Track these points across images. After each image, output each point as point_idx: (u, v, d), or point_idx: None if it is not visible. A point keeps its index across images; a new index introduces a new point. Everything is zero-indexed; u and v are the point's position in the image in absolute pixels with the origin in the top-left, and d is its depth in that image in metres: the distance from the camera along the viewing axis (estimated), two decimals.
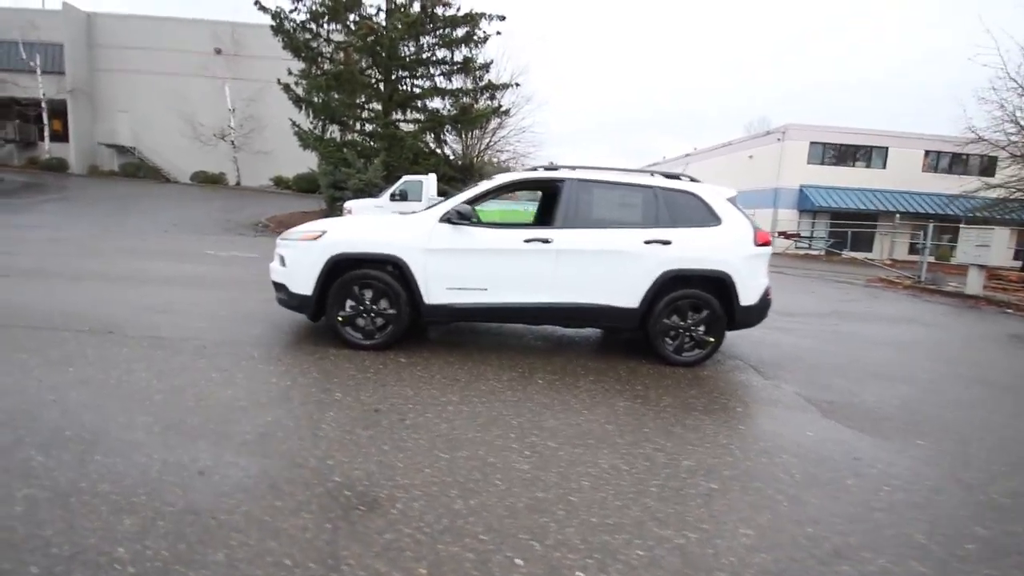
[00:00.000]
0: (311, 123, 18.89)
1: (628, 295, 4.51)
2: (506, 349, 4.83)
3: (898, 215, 22.66)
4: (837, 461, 3.03)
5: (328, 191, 18.00)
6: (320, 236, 4.35)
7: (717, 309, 4.57)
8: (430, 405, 3.39)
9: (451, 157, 21.58)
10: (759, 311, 4.70)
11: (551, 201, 4.70)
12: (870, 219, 26.19)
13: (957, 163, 26.69)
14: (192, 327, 4.74)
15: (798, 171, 26.27)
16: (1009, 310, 10.79)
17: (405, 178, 13.90)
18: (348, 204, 13.72)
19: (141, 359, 3.83)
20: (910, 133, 26.19)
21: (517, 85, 20.35)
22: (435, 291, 4.37)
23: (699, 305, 4.57)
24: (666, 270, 4.48)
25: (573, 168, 4.69)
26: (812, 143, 26.25)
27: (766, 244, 4.70)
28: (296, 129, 18.69)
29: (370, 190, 16.47)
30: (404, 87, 19.74)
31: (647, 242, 4.50)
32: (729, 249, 4.58)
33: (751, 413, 3.70)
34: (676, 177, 4.85)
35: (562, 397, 3.72)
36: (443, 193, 15.20)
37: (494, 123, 22.45)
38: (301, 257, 4.39)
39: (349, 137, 19.59)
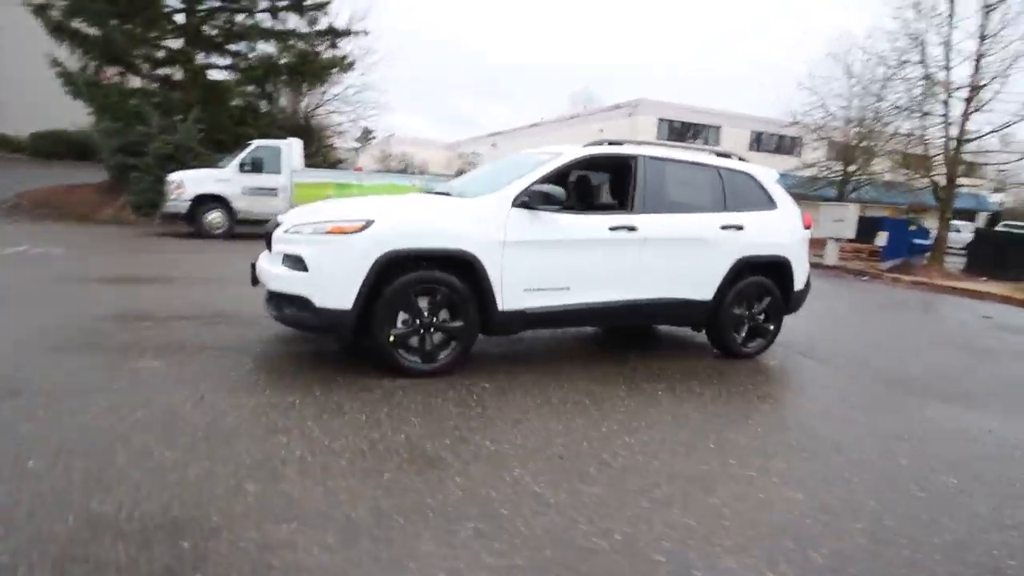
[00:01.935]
0: (79, 62, 15.18)
1: (705, 286, 4.64)
2: (544, 356, 4.61)
3: None
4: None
5: (115, 158, 14.75)
6: (365, 226, 3.58)
7: (777, 296, 4.97)
8: (598, 439, 3.09)
9: (280, 117, 19.33)
10: (805, 296, 5.23)
11: (620, 182, 4.55)
12: None
13: (776, 143, 32.66)
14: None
15: None
16: (865, 277, 13.72)
17: (257, 143, 12.04)
18: (177, 176, 11.44)
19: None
20: (741, 114, 31.17)
21: (366, 33, 18.99)
22: (511, 294, 3.94)
23: (762, 293, 4.91)
24: (740, 257, 4.71)
25: (639, 144, 4.62)
26: (660, 119, 29.63)
27: (809, 227, 5.22)
28: (60, 69, 14.83)
29: (184, 156, 13.92)
30: (216, 21, 16.99)
31: (723, 227, 4.66)
32: (787, 233, 4.99)
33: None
34: (727, 156, 5.08)
35: (699, 404, 3.70)
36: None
37: (333, 78, 20.59)
38: (336, 257, 3.57)
39: (140, 85, 16.25)
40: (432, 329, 3.80)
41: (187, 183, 11.30)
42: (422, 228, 3.74)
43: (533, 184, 4.01)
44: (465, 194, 4.32)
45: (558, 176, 4.18)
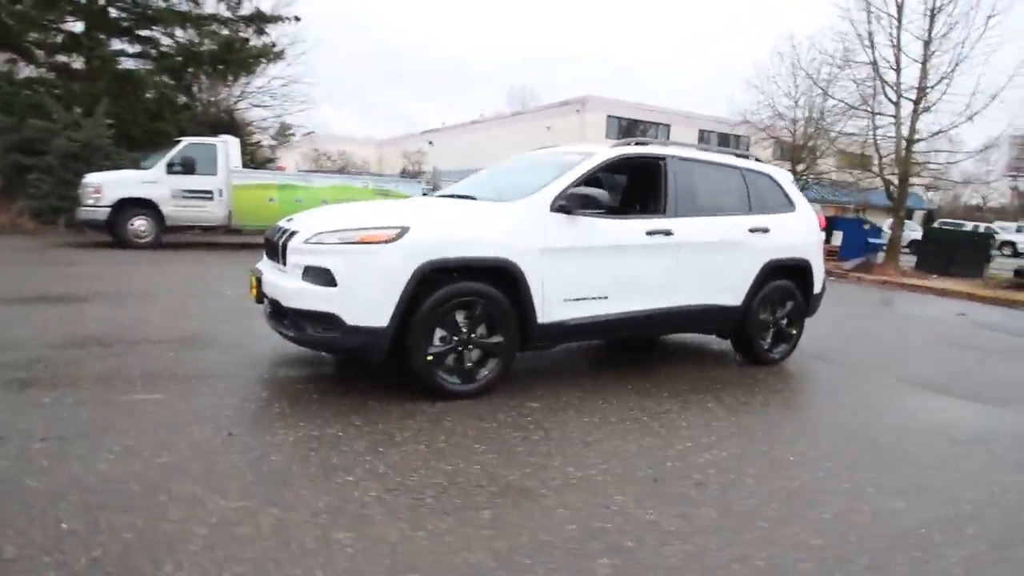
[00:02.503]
0: None
1: (736, 291, 4.75)
2: (569, 369, 4.60)
3: None
4: None
5: (8, 157, 13.54)
6: (400, 235, 3.42)
7: (800, 299, 5.16)
8: (678, 458, 3.08)
9: (199, 111, 18.36)
10: (821, 299, 5.46)
11: (649, 184, 4.58)
12: None
13: (723, 143, 34.18)
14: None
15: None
16: (831, 277, 14.53)
17: (188, 141, 11.33)
18: (95, 179, 10.60)
19: None
20: (690, 112, 32.45)
21: (296, 19, 18.39)
22: (550, 305, 3.88)
23: (785, 297, 5.08)
24: (767, 261, 4.86)
25: (664, 144, 4.68)
26: (609, 116, 30.37)
27: (824, 228, 5.46)
28: None
29: (92, 156, 12.95)
30: (124, 3, 15.97)
31: (752, 231, 4.79)
32: (806, 235, 5.20)
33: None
34: (747, 157, 5.24)
35: (755, 415, 3.77)
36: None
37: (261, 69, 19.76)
38: (369, 269, 3.39)
39: (36, 74, 15.03)
40: (470, 346, 3.69)
41: (107, 186, 10.49)
42: (461, 236, 3.62)
43: (570, 187, 3.97)
44: (485, 197, 4.22)
45: (591, 178, 4.16)
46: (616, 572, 2.07)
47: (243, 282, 4.38)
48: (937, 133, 16.80)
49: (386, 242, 3.41)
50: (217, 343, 4.64)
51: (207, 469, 2.59)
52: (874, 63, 16.51)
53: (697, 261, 4.50)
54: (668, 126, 32.21)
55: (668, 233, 4.33)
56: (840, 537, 2.41)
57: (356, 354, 3.67)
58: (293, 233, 3.61)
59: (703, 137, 33.49)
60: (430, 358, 3.55)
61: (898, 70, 16.23)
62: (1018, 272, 14.62)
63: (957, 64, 15.59)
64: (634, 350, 5.37)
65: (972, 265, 15.48)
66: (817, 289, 5.31)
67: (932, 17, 15.69)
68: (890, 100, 16.52)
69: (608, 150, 4.37)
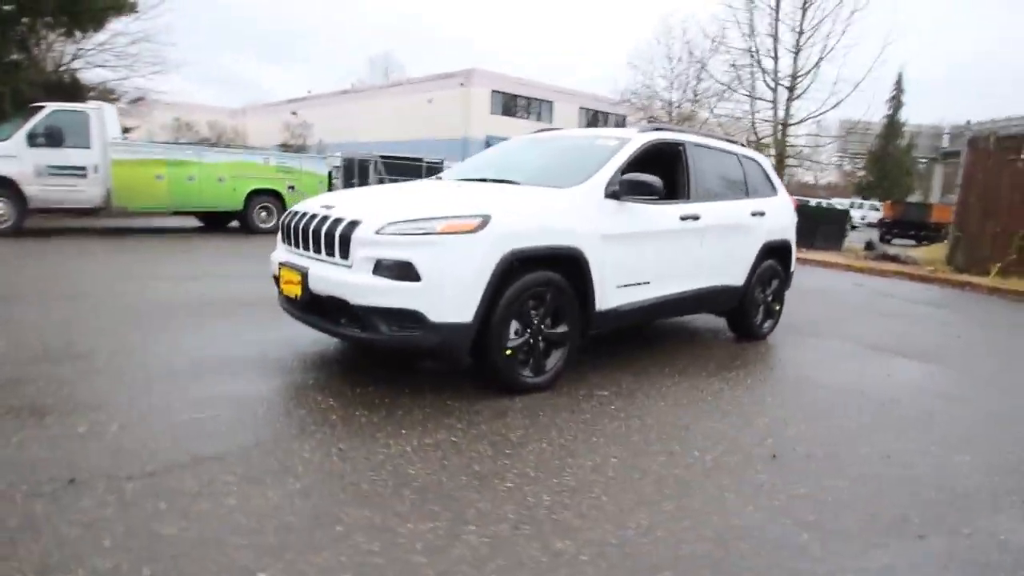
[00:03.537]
0: None
1: (741, 272, 5.14)
2: (595, 354, 4.76)
3: None
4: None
5: None
6: (483, 223, 3.31)
7: (783, 277, 5.69)
8: (771, 434, 3.34)
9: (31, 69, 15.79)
10: (792, 276, 6.05)
11: (674, 169, 4.76)
12: None
13: (603, 120, 35.74)
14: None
15: (483, 121, 30.17)
16: None
17: (52, 108, 9.72)
18: None
19: None
20: (572, 90, 33.46)
21: None
22: (608, 292, 3.97)
23: (773, 276, 5.58)
24: (765, 242, 5.30)
25: (677, 130, 4.89)
26: (494, 91, 30.48)
27: (796, 210, 6.04)
28: None
29: None
30: None
31: (753, 214, 5.19)
32: (788, 217, 5.72)
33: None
34: (734, 142, 5.63)
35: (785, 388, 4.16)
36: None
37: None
38: (455, 260, 3.25)
39: None
40: (540, 337, 3.68)
41: None
42: (537, 223, 3.57)
43: (617, 173, 4.06)
44: (528, 182, 4.16)
45: (632, 163, 4.27)
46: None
47: (141, 280, 3.99)
48: (805, 119, 18.89)
49: (471, 232, 3.29)
50: (227, 367, 4.18)
51: (356, 492, 2.41)
52: (755, 51, 18.15)
53: (717, 244, 4.80)
54: (551, 103, 33.03)
55: (696, 218, 4.57)
56: (957, 481, 2.79)
57: (438, 354, 3.50)
58: (354, 223, 3.35)
59: (587, 115, 34.80)
60: (508, 352, 3.51)
61: (776, 59, 17.98)
62: (868, 245, 17.08)
63: (823, 57, 17.62)
64: (624, 335, 5.59)
65: (834, 239, 17.71)
66: (792, 268, 5.88)
67: (804, 10, 17.54)
68: (768, 87, 18.29)
69: (640, 135, 4.49)
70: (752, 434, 3.30)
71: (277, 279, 3.99)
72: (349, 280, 3.30)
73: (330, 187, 13.57)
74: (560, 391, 3.75)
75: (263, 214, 12.05)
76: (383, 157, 21.23)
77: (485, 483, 2.56)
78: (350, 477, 2.52)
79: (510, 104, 31.61)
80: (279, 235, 4.09)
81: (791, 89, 18.07)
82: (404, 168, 22.75)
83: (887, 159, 45.10)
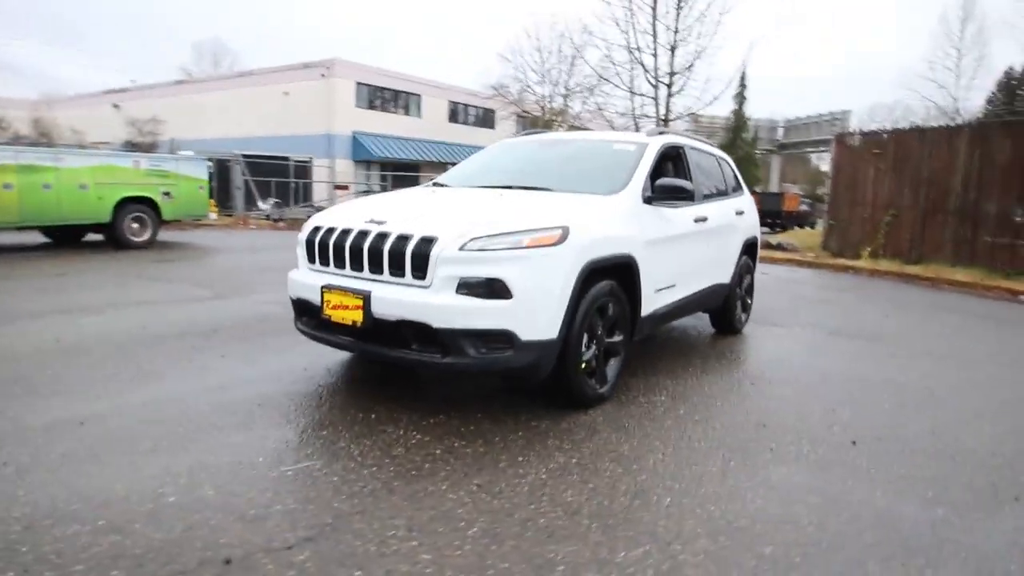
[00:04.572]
0: None
1: (729, 270, 5.58)
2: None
3: (450, 166, 29.00)
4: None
5: None
6: (564, 236, 3.35)
7: (752, 271, 6.25)
8: (831, 424, 3.73)
9: None
10: None
11: (678, 172, 5.01)
12: (413, 170, 32.23)
13: (472, 115, 36.05)
14: None
15: (349, 115, 29.21)
16: None
17: None
18: None
19: None
20: (441, 83, 33.35)
21: None
22: (649, 297, 4.17)
23: (747, 271, 6.11)
24: (745, 239, 5.79)
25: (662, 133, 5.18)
26: (359, 84, 29.61)
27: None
28: None
29: None
30: None
31: (737, 213, 5.65)
32: (755, 215, 6.29)
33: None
34: (706, 142, 6.07)
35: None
36: None
37: None
38: (543, 276, 3.27)
39: None
40: (603, 347, 3.79)
41: None
42: (603, 233, 3.66)
43: (647, 178, 4.26)
44: (561, 189, 4.20)
45: (655, 168, 4.49)
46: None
47: (47, 318, 3.50)
48: (683, 115, 20.51)
49: (555, 244, 3.32)
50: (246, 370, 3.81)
51: (537, 527, 2.38)
52: (636, 48, 19.38)
53: (717, 244, 5.19)
54: (420, 96, 32.75)
55: (705, 219, 4.91)
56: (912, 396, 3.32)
57: (523, 374, 3.45)
58: (428, 240, 3.24)
59: (455, 110, 34.91)
60: (583, 365, 3.58)
61: (656, 56, 19.34)
62: None
63: (698, 56, 19.26)
64: None
65: None
66: (757, 262, 6.48)
67: (679, 9, 19.03)
68: (650, 83, 19.62)
69: (655, 139, 4.72)
70: (820, 427, 3.65)
71: (304, 304, 3.74)
72: (430, 302, 3.19)
73: (210, 193, 12.52)
74: (617, 401, 3.88)
75: (135, 226, 10.84)
76: (246, 157, 19.89)
77: (644, 499, 2.64)
78: (518, 513, 2.48)
79: (376, 97, 30.89)
80: (302, 254, 3.82)
81: (669, 86, 19.53)
82: (270, 169, 21.54)
83: (737, 151, 49.97)
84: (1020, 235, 11.45)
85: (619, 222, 3.88)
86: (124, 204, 10.59)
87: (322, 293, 3.49)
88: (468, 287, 3.19)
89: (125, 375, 3.93)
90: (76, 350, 4.44)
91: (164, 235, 11.83)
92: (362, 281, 3.41)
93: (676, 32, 19.10)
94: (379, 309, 3.28)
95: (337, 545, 2.19)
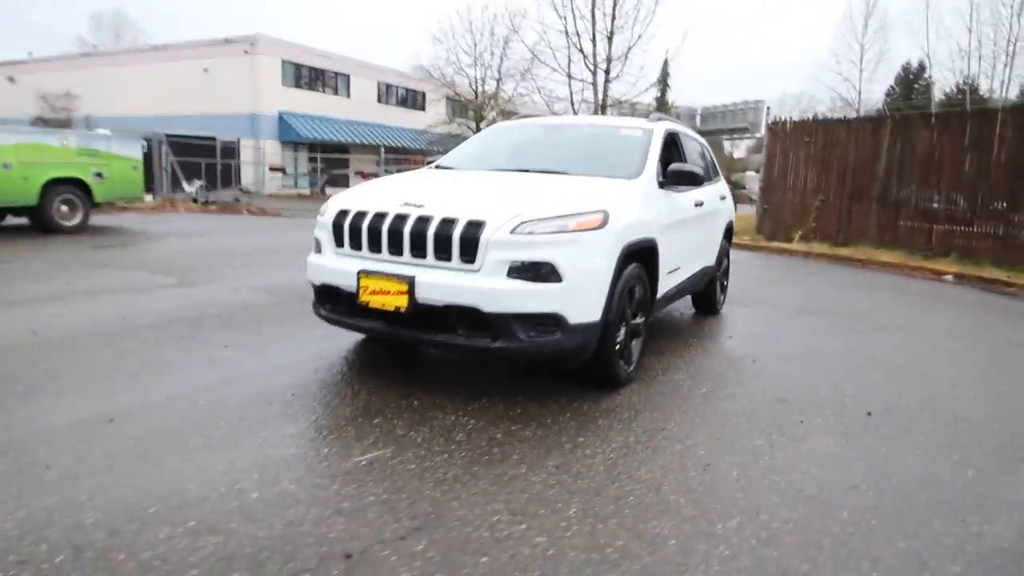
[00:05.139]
0: None
1: (714, 252, 5.78)
2: None
3: (383, 149, 28.39)
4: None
5: None
6: (606, 219, 3.38)
7: (728, 255, 6.50)
8: (844, 393, 3.97)
9: None
10: None
11: (670, 157, 5.12)
12: (343, 152, 31.31)
13: (402, 97, 35.31)
14: None
15: (275, 94, 27.96)
16: None
17: None
18: None
19: None
20: (370, 63, 32.40)
21: None
22: (663, 279, 4.28)
23: (724, 255, 6.34)
24: (727, 223, 6.02)
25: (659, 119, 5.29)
26: (285, 61, 28.34)
27: None
28: None
29: None
30: None
31: (721, 197, 5.85)
32: (731, 199, 6.52)
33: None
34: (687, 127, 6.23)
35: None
36: None
37: None
38: (589, 259, 3.31)
39: None
40: (630, 328, 3.86)
41: None
42: (635, 216, 3.72)
43: (658, 163, 4.35)
44: (576, 173, 4.20)
45: (662, 153, 4.58)
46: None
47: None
48: (621, 101, 20.90)
49: (598, 228, 3.35)
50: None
51: (635, 505, 2.43)
52: (576, 33, 19.54)
53: (708, 228, 5.38)
54: (348, 76, 31.75)
55: (701, 204, 5.06)
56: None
57: (571, 359, 3.46)
58: (476, 223, 3.19)
59: (386, 90, 34.09)
60: (617, 347, 3.64)
61: (594, 42, 19.56)
62: None
63: (632, 45, 19.64)
64: None
65: None
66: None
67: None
68: (589, 69, 19.85)
69: (658, 125, 4.81)
70: (817, 402, 3.87)
71: (330, 289, 3.61)
72: (481, 286, 3.15)
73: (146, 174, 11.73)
74: (640, 379, 3.98)
75: (65, 209, 10.02)
76: (170, 137, 18.74)
77: (713, 473, 2.74)
78: (605, 491, 2.52)
79: (304, 76, 29.67)
80: (326, 237, 3.66)
81: (607, 72, 19.83)
82: (195, 149, 20.39)
83: None
84: (936, 220, 12.41)
85: (643, 206, 3.95)
86: (52, 185, 9.76)
87: (358, 278, 3.38)
88: (518, 271, 3.17)
89: (129, 368, 3.68)
90: (61, 344, 4.09)
91: (94, 219, 10.99)
92: (403, 266, 3.33)
93: (614, 19, 19.41)
94: (424, 294, 3.22)
95: (449, 533, 2.16)
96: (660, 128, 4.75)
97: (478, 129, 31.18)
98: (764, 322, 6.10)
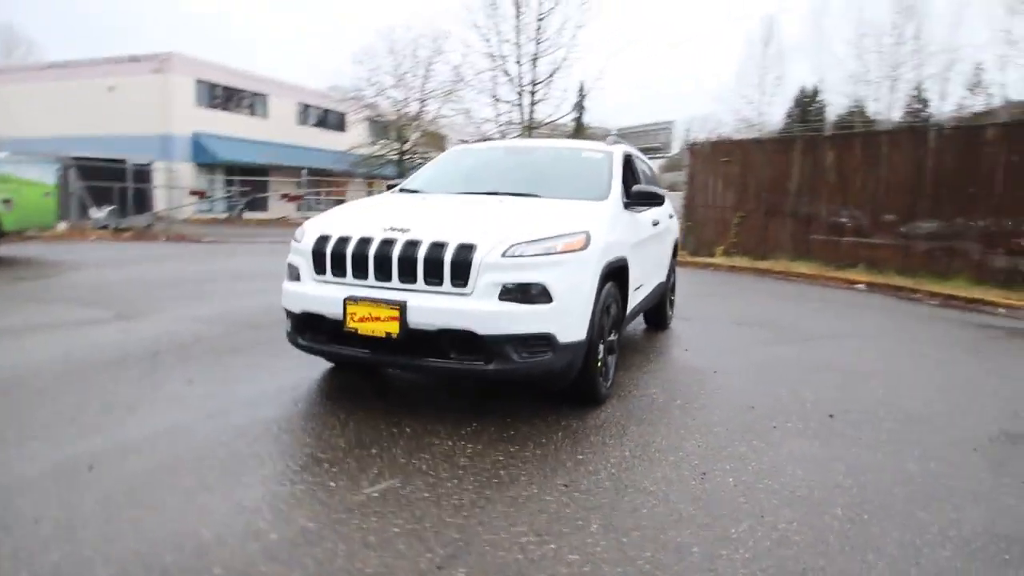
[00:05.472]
0: None
1: (665, 269, 6.02)
2: None
3: (305, 171, 27.68)
4: None
5: None
6: (588, 240, 3.50)
7: (675, 271, 6.78)
8: (808, 400, 4.22)
9: None
10: None
11: (630, 179, 5.30)
12: (262, 174, 30.34)
13: (323, 118, 34.66)
14: None
15: (188, 114, 26.83)
16: None
17: None
18: None
19: None
20: (289, 83, 31.65)
21: None
22: (630, 297, 4.44)
23: (672, 271, 6.62)
24: (674, 240, 6.29)
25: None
26: (199, 81, 27.27)
27: None
28: None
29: None
30: None
31: (669, 216, 6.11)
32: (675, 218, 6.82)
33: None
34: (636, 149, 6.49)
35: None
36: None
37: None
38: (575, 279, 3.41)
39: None
40: (607, 347, 3.97)
41: None
42: (612, 237, 3.85)
43: (625, 185, 4.53)
44: (549, 195, 4.28)
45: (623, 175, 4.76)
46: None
47: None
48: (546, 123, 21.38)
49: (582, 249, 3.45)
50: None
51: (632, 510, 2.50)
52: (500, 56, 19.88)
53: (662, 246, 5.61)
54: (266, 96, 30.91)
55: (657, 223, 5.28)
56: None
57: (559, 379, 3.50)
58: (467, 247, 3.21)
59: (304, 111, 33.37)
60: (600, 365, 3.74)
61: (520, 64, 19.97)
62: None
63: (557, 68, 20.20)
64: None
65: None
66: None
67: (540, 20, 19.82)
68: (515, 91, 20.22)
69: (616, 148, 5.01)
70: (792, 401, 4.12)
71: (311, 318, 3.52)
72: (475, 309, 3.18)
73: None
74: (616, 395, 4.10)
75: None
76: (77, 159, 17.59)
77: (711, 481, 2.86)
78: (619, 505, 2.58)
79: (219, 96, 28.63)
80: (305, 264, 3.58)
81: (533, 94, 20.27)
82: (104, 172, 19.21)
83: None
84: (843, 233, 13.37)
85: (614, 227, 4.09)
86: None
87: (345, 305, 3.31)
88: (510, 293, 3.22)
89: (92, 409, 3.44)
90: (8, 387, 3.77)
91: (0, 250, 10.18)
92: (391, 291, 3.30)
93: (538, 43, 19.91)
94: (417, 319, 3.20)
95: (483, 558, 2.16)
96: (619, 151, 4.94)
97: (401, 151, 31.01)
98: (710, 335, 6.39)
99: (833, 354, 5.64)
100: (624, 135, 51.77)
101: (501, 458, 3.01)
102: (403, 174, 31.33)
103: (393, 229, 3.40)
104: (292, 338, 3.73)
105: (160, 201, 23.42)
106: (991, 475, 3.11)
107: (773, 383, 4.58)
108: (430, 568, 2.08)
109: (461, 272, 3.21)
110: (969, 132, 12.44)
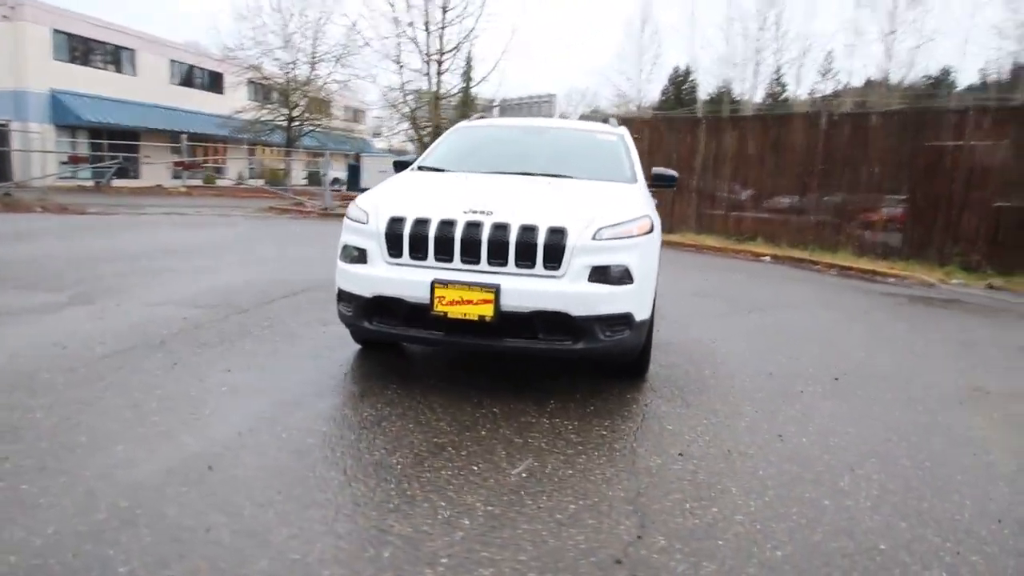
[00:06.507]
0: None
1: None
2: None
3: (185, 135, 25.46)
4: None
5: None
6: (652, 223, 3.70)
7: None
8: (775, 377, 4.69)
9: None
10: None
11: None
12: (133, 138, 27.55)
13: (198, 78, 31.84)
14: None
15: (45, 69, 23.68)
16: None
17: None
18: None
19: None
20: (161, 39, 28.66)
21: None
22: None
23: None
24: None
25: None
26: (56, 31, 24.06)
27: None
28: None
29: None
30: None
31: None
32: None
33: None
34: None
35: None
36: None
37: None
38: (648, 260, 3.62)
39: None
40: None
41: None
42: (658, 220, 4.03)
43: (644, 168, 4.74)
44: (583, 177, 4.39)
45: None
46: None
47: None
48: (454, 93, 21.09)
49: (650, 232, 3.63)
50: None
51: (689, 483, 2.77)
52: (409, 23, 19.26)
53: None
54: (134, 51, 27.88)
55: (657, 204, 5.53)
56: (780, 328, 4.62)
57: (634, 355, 3.67)
58: (559, 230, 3.28)
59: (180, 71, 30.52)
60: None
61: (428, 32, 19.46)
62: None
63: (464, 38, 19.93)
64: None
65: None
66: None
67: None
68: (423, 60, 19.72)
69: (622, 130, 5.19)
70: (799, 367, 4.58)
71: (385, 301, 3.42)
72: (568, 291, 3.27)
73: None
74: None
75: None
76: None
77: (786, 442, 3.18)
78: (742, 468, 2.83)
79: (79, 49, 25.42)
80: (379, 247, 3.44)
81: (440, 63, 19.89)
82: None
83: None
84: (743, 209, 14.52)
85: (653, 209, 4.29)
86: None
87: (433, 288, 3.27)
88: (601, 274, 3.34)
89: (150, 407, 3.16)
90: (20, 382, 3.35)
91: None
92: (481, 274, 3.30)
93: (445, 12, 19.49)
94: (510, 301, 3.24)
95: (667, 524, 2.33)
96: (625, 133, 5.14)
97: (291, 117, 29.25)
98: (679, 307, 6.79)
99: (792, 322, 6.26)
100: (508, 106, 51.54)
101: (604, 433, 3.16)
102: (292, 141, 29.73)
103: (475, 212, 3.38)
104: (354, 321, 3.61)
105: (17, 168, 20.72)
106: (983, 420, 3.70)
107: (769, 351, 5.04)
108: (631, 538, 2.21)
109: (555, 255, 3.28)
110: (855, 119, 13.90)
